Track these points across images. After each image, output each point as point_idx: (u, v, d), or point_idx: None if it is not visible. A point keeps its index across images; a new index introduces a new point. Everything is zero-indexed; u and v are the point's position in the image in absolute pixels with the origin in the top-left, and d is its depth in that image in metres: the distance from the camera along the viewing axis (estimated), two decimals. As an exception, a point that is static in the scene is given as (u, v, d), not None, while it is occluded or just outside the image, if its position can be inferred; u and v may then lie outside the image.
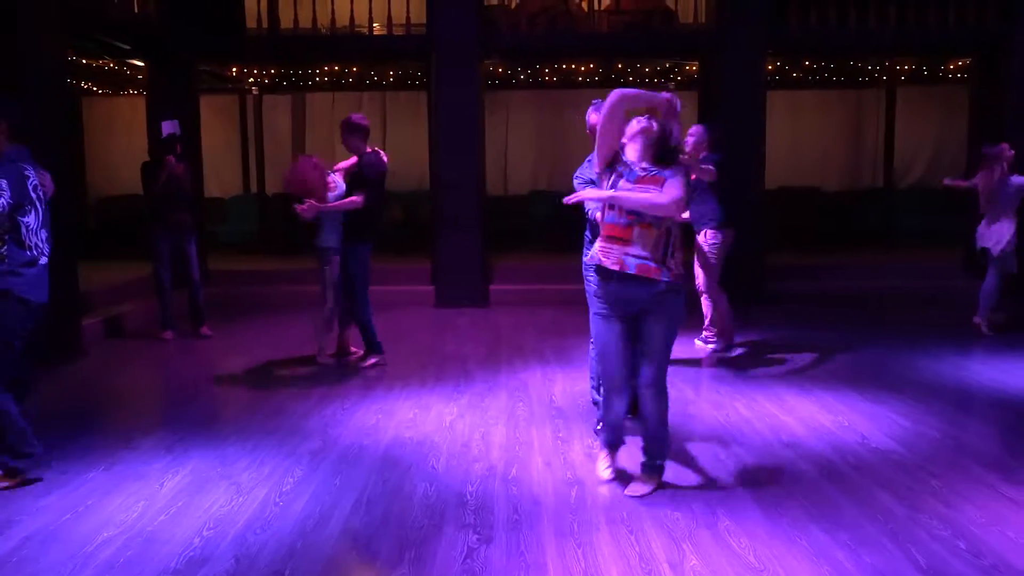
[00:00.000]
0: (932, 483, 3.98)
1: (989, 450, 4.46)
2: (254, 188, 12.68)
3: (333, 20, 9.62)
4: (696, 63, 10.66)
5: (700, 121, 10.07)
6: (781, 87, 11.81)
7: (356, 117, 6.34)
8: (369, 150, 6.32)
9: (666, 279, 3.72)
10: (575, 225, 5.02)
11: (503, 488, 4.00)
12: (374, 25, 9.75)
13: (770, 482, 4.03)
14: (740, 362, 6.63)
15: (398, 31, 9.75)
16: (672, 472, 4.16)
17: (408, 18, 9.70)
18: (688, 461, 4.30)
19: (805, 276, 9.96)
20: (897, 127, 12.82)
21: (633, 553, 3.28)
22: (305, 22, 9.58)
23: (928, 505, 3.71)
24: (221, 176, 12.51)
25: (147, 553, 3.38)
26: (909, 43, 10.00)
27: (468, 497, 3.90)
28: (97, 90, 12.30)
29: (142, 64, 9.77)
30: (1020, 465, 4.28)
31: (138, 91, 11.64)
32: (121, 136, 12.59)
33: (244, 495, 3.97)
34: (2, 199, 3.99)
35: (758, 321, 8.17)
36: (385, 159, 6.43)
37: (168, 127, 7.24)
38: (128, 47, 9.10)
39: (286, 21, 9.59)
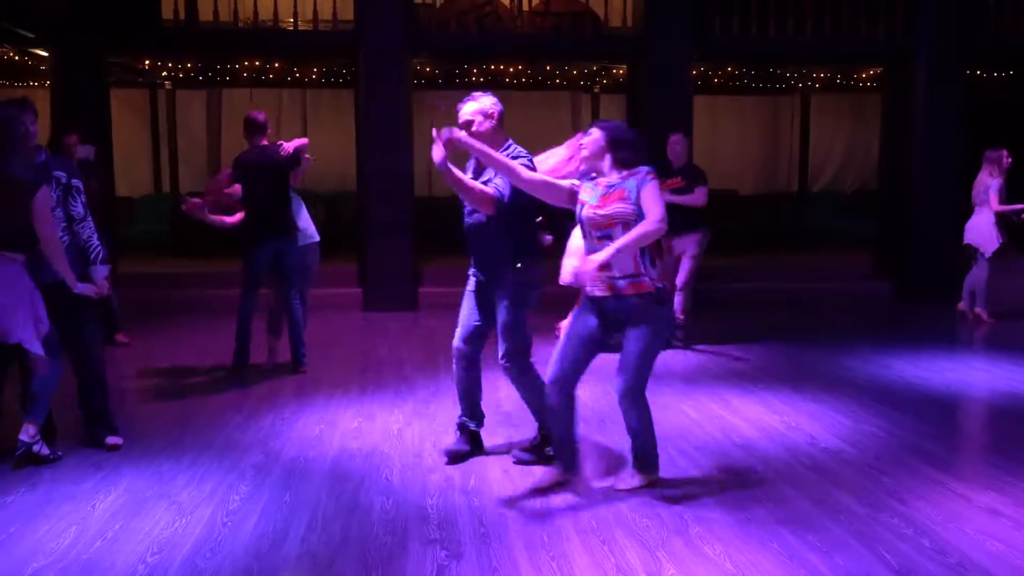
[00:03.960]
0: (885, 481, 4.06)
1: (930, 447, 4.58)
2: (166, 187, 12.14)
3: (256, 14, 9.26)
4: (623, 67, 10.75)
5: (628, 123, 10.16)
6: (702, 92, 12.05)
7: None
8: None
9: (649, 290, 3.76)
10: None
11: (464, 500, 3.87)
12: (298, 20, 9.41)
13: (730, 485, 4.03)
14: (678, 364, 6.68)
15: (324, 27, 9.46)
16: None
17: (335, 14, 9.42)
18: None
19: (725, 277, 10.15)
20: (811, 132, 13.29)
21: (609, 564, 3.21)
22: (225, 15, 9.18)
23: (886, 504, 3.77)
24: (131, 174, 11.89)
25: (86, 583, 3.11)
26: (824, 52, 10.37)
27: (429, 511, 3.75)
28: (-6, 80, 11.51)
29: (46, 54, 9.18)
30: (961, 461, 4.43)
31: (41, 83, 10.95)
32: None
33: (187, 515, 3.71)
34: None
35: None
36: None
37: (83, 152, 6.69)
38: (31, 35, 8.51)
39: (205, 13, 9.17)
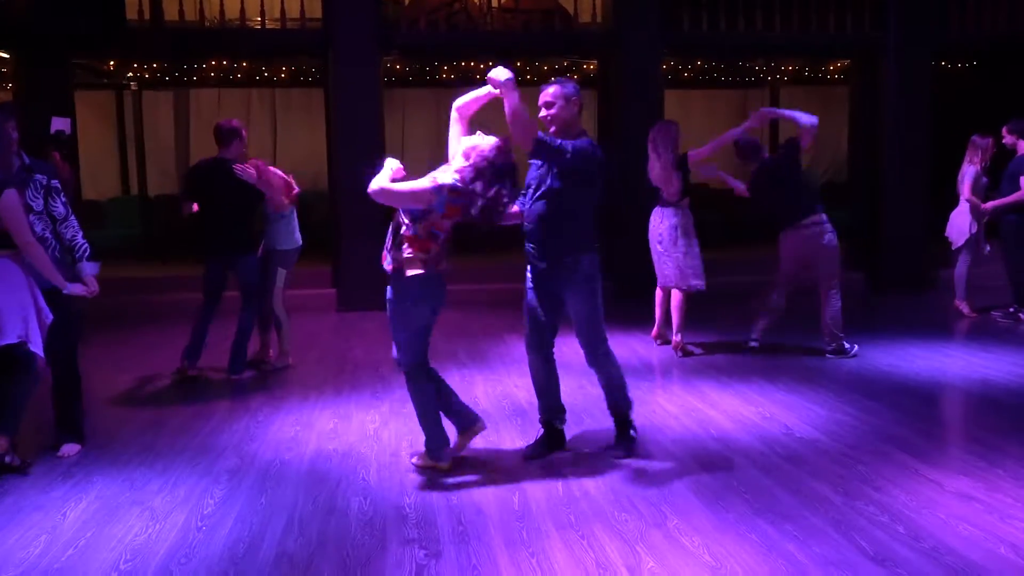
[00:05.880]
0: (860, 469, 4.09)
1: (903, 434, 4.63)
2: (134, 190, 11.97)
3: (222, 13, 9.14)
4: (594, 63, 10.76)
5: (600, 118, 10.18)
6: (672, 87, 12.08)
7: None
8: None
9: None
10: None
11: (442, 498, 3.85)
12: (266, 19, 9.31)
13: (707, 477, 4.04)
14: (654, 358, 6.70)
15: (292, 26, 9.36)
16: (612, 472, 4.13)
17: (303, 12, 9.33)
18: (624, 459, 4.27)
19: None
20: (780, 125, 13.37)
21: (589, 559, 3.20)
22: (192, 14, 9.05)
23: (861, 492, 3.81)
24: (98, 177, 11.71)
25: (57, 593, 3.06)
26: (793, 46, 10.45)
27: (407, 510, 3.73)
28: (-48, 84, 11.26)
29: (7, 56, 9.00)
30: (933, 448, 4.47)
31: (2, 86, 10.74)
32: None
33: (161, 521, 3.66)
34: None
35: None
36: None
37: (58, 123, 6.64)
38: (-9, 37, 8.36)
39: (171, 13, 9.04)
